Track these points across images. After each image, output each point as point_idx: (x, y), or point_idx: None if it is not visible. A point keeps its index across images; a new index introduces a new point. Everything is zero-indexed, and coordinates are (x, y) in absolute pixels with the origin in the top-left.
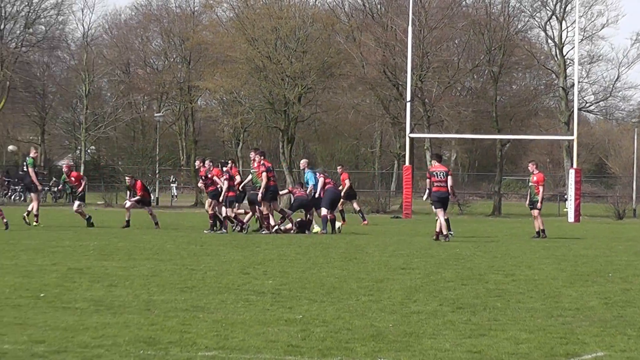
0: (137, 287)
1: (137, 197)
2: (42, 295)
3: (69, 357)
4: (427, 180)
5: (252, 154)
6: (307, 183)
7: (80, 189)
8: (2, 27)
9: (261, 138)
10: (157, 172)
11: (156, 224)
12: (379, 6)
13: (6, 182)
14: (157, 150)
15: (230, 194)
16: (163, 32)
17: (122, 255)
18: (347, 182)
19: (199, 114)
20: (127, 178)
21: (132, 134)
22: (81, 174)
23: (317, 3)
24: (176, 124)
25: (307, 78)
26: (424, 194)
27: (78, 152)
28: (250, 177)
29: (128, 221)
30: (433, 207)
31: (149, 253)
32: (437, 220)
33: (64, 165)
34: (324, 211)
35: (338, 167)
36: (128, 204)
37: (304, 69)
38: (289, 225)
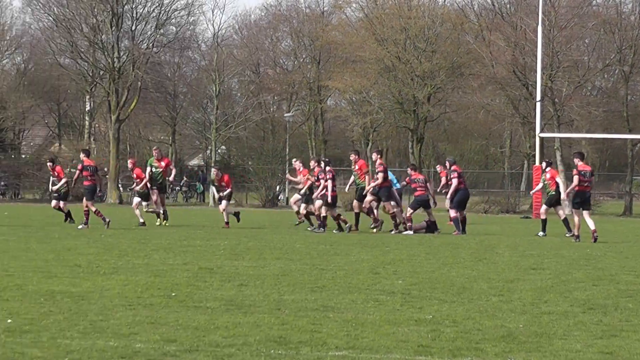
0: (268, 286)
1: (228, 190)
2: (173, 294)
3: (200, 356)
4: (575, 178)
5: (352, 156)
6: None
7: (228, 190)
8: (133, 28)
9: (390, 138)
10: (287, 172)
11: (227, 222)
12: (508, 6)
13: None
14: (287, 150)
15: (332, 193)
16: (293, 33)
17: (252, 255)
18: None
19: (328, 113)
20: (213, 171)
21: (262, 134)
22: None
23: (446, 3)
24: (306, 124)
25: (437, 78)
26: (564, 193)
27: (208, 152)
28: (353, 178)
29: (237, 213)
30: (572, 207)
31: (279, 253)
32: (577, 219)
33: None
34: (452, 212)
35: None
36: (223, 205)
37: (433, 69)
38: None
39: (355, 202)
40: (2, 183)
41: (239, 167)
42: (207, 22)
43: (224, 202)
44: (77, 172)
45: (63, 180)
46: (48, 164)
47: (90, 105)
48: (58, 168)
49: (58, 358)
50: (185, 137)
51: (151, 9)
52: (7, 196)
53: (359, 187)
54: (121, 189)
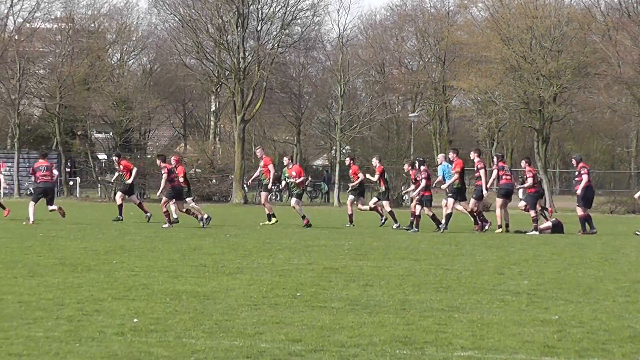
0: (393, 286)
1: (305, 178)
2: (298, 294)
3: (325, 356)
4: None
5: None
6: (443, 177)
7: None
8: (259, 28)
9: (515, 138)
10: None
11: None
12: (635, 5)
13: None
14: (412, 150)
15: (426, 193)
16: (418, 32)
17: (377, 255)
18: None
19: (453, 113)
20: (285, 159)
21: (386, 134)
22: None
23: (572, 2)
24: (430, 124)
25: (563, 77)
26: None
27: (333, 152)
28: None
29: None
30: None
31: (404, 253)
32: None
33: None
34: (580, 210)
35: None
36: (293, 201)
37: (559, 69)
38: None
39: (472, 201)
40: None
41: (363, 168)
42: (332, 22)
43: (293, 199)
44: (164, 175)
45: (134, 172)
46: (114, 157)
47: (215, 105)
48: (124, 162)
49: (184, 357)
50: (310, 137)
51: (276, 10)
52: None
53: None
54: (246, 189)
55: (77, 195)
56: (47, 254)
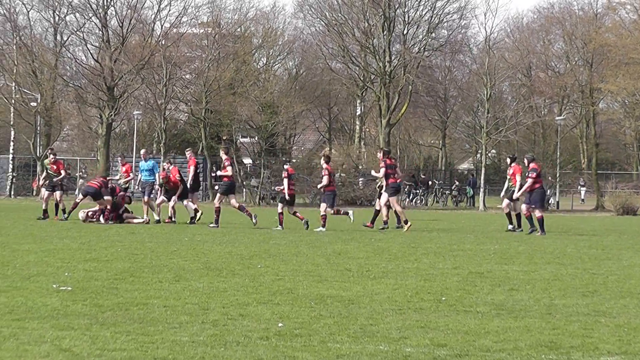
0: (538, 291)
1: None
2: (443, 298)
3: None
4: None
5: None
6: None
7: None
8: (405, 32)
9: None
10: (557, 175)
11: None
12: None
13: (408, 186)
14: (558, 153)
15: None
16: (565, 35)
17: (523, 259)
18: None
19: (600, 116)
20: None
21: (532, 137)
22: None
23: None
24: (577, 127)
25: None
26: None
27: (479, 155)
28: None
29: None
30: None
31: (550, 257)
32: None
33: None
34: (537, 212)
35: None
36: (384, 199)
37: None
38: None
39: (505, 202)
40: (274, 187)
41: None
42: (479, 25)
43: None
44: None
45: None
46: (119, 158)
47: (360, 109)
48: (127, 166)
49: None
50: (455, 141)
51: (423, 13)
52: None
53: (511, 190)
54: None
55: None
56: (192, 258)
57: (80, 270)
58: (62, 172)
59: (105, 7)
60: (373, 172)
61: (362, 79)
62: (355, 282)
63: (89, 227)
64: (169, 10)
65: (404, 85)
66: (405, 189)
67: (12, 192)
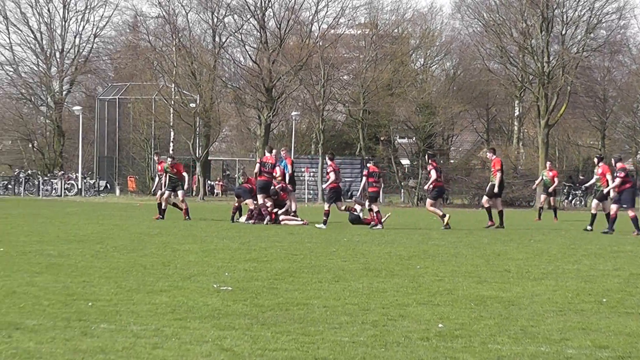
0: None
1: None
2: (604, 300)
3: None
4: None
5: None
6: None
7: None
8: (563, 32)
9: None
10: None
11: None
12: None
13: (567, 187)
14: None
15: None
16: None
17: None
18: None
19: None
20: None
21: None
22: None
23: None
24: None
25: None
26: None
27: (638, 156)
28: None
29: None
30: None
31: None
32: None
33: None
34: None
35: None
36: (429, 201)
37: None
38: None
39: (595, 202)
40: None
41: None
42: (638, 25)
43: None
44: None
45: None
46: (154, 157)
47: (519, 110)
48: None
49: None
50: (615, 142)
51: (581, 13)
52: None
53: (600, 189)
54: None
55: (381, 201)
56: (351, 259)
57: (240, 270)
58: (184, 174)
59: (263, 8)
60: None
61: (520, 79)
62: (515, 284)
63: (249, 228)
64: (327, 11)
65: (563, 85)
66: (564, 190)
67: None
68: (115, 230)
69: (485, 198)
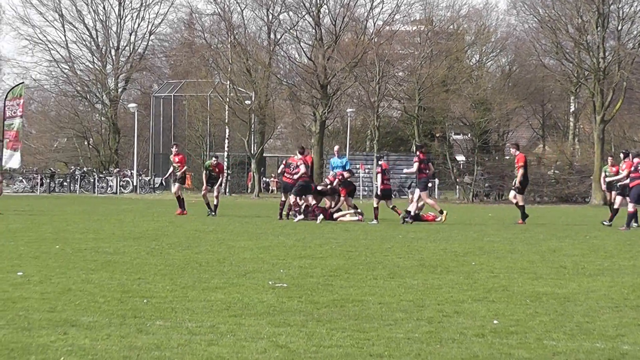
0: None
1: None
2: None
3: None
4: None
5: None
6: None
7: None
8: (619, 27)
9: None
10: None
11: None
12: None
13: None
14: None
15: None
16: None
17: None
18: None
19: None
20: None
21: None
22: None
23: None
24: None
25: None
26: None
27: None
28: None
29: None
30: None
31: None
32: None
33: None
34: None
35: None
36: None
37: None
38: None
39: (619, 199)
40: (487, 184)
41: None
42: None
43: None
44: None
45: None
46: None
47: (574, 106)
48: (181, 157)
49: (544, 359)
50: None
51: (638, 9)
52: (492, 197)
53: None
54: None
55: (436, 197)
56: (406, 255)
57: (295, 267)
58: (225, 171)
59: (319, 5)
60: (405, 170)
61: (575, 75)
62: (571, 280)
63: (303, 225)
64: (382, 8)
65: (618, 81)
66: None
67: (227, 190)
68: (170, 227)
69: (512, 193)
